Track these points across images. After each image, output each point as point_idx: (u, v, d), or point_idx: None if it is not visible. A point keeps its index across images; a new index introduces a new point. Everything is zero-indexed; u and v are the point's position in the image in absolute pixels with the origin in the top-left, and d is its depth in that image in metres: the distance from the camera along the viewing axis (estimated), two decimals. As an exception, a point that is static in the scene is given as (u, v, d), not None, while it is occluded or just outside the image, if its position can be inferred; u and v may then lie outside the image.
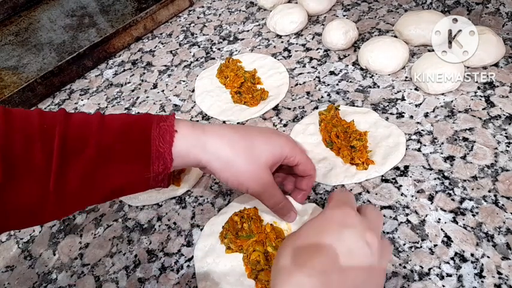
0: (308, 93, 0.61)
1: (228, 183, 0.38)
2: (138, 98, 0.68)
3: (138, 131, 0.35)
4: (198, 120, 0.61)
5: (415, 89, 0.57)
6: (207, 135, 0.37)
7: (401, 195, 0.45)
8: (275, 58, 0.68)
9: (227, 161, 0.36)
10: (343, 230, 0.30)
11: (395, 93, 0.57)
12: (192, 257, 0.44)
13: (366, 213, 0.33)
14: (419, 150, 0.49)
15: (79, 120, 0.35)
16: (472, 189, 0.44)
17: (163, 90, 0.68)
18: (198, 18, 0.85)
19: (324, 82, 0.62)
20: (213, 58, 0.73)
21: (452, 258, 0.39)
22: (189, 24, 0.84)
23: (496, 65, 0.57)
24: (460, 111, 0.52)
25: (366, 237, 0.30)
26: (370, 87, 0.59)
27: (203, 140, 0.36)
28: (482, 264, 0.38)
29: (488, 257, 0.38)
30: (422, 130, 0.51)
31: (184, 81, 0.69)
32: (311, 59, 0.67)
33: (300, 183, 0.42)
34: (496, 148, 0.47)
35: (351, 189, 0.46)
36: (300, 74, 0.64)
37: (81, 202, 0.35)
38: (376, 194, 0.46)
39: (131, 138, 0.35)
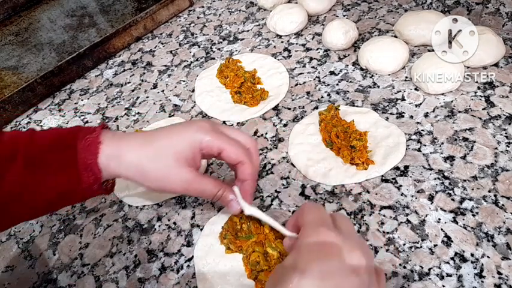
0: (308, 93, 0.61)
1: (155, 190, 0.38)
2: (138, 98, 0.68)
3: (65, 144, 0.36)
4: (198, 120, 0.61)
5: (415, 89, 0.57)
6: (121, 146, 0.37)
7: (401, 195, 0.45)
8: (275, 58, 0.68)
9: (140, 171, 0.36)
10: (326, 267, 0.26)
11: (395, 93, 0.57)
12: (192, 257, 0.44)
13: (339, 225, 0.30)
14: (419, 150, 0.49)
15: (8, 137, 0.36)
16: (472, 189, 0.44)
17: (163, 90, 0.68)
18: (198, 18, 0.85)
19: (324, 82, 0.62)
20: (213, 58, 0.73)
21: (452, 258, 0.39)
22: (189, 24, 0.84)
23: (496, 65, 0.57)
24: (460, 111, 0.52)
25: (352, 261, 0.27)
26: (370, 87, 0.59)
27: (118, 152, 0.36)
28: (482, 264, 0.38)
29: (488, 257, 0.38)
30: (422, 130, 0.51)
31: (184, 81, 0.69)
32: (311, 59, 0.67)
33: (237, 174, 0.40)
34: (496, 148, 0.47)
35: (351, 189, 0.47)
36: (300, 74, 0.64)
37: (15, 215, 0.36)
38: (376, 194, 0.46)
39: (59, 151, 0.36)
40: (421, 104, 0.55)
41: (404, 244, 0.41)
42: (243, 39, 0.75)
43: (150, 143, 0.37)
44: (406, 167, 0.47)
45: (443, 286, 0.37)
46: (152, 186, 0.37)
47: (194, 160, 0.37)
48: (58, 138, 0.37)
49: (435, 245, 0.40)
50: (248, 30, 0.77)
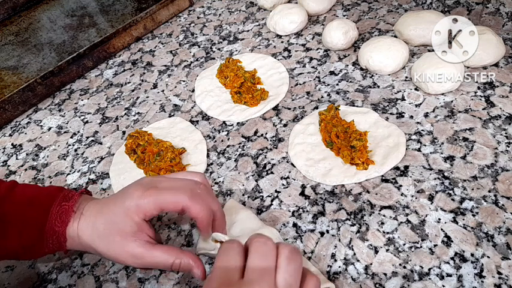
0: (308, 93, 0.61)
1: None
2: (138, 98, 0.68)
3: (39, 207, 0.36)
4: (197, 121, 0.61)
5: (415, 89, 0.57)
6: (80, 223, 0.36)
7: (402, 195, 0.45)
8: (275, 58, 0.68)
9: (94, 250, 0.36)
10: None
11: (395, 93, 0.57)
12: (192, 257, 0.44)
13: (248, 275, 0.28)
14: (419, 150, 0.49)
15: None
16: (472, 189, 0.44)
17: (163, 90, 0.68)
18: (198, 18, 0.85)
19: (324, 82, 0.62)
20: (213, 58, 0.73)
21: (452, 258, 0.39)
22: (189, 24, 0.84)
23: (496, 65, 0.57)
24: (460, 111, 0.52)
25: None
26: (370, 87, 0.59)
27: (76, 230, 0.36)
28: (482, 264, 0.38)
29: (488, 257, 0.38)
30: (422, 130, 0.51)
31: (184, 81, 0.69)
32: (311, 59, 0.67)
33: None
34: (496, 148, 0.47)
35: (351, 189, 0.47)
36: (300, 74, 0.64)
37: None
38: (376, 194, 0.46)
39: (31, 212, 0.36)
40: (421, 104, 0.55)
41: (404, 244, 0.41)
42: (243, 39, 0.75)
43: (99, 219, 0.36)
44: (406, 167, 0.47)
45: (443, 286, 0.37)
46: (107, 259, 0.38)
47: (142, 230, 0.36)
48: (33, 198, 0.37)
49: (435, 245, 0.40)
50: (248, 30, 0.77)
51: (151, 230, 0.37)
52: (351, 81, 0.61)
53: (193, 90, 0.66)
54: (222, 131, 0.58)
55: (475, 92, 0.54)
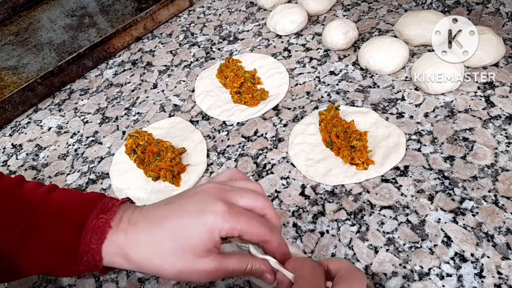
0: (308, 93, 0.61)
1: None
2: (138, 98, 0.68)
3: (75, 218, 0.33)
4: (197, 121, 0.61)
5: (415, 89, 0.57)
6: (129, 239, 0.32)
7: (401, 195, 0.45)
8: (275, 58, 0.68)
9: (152, 269, 0.32)
10: None
11: (395, 93, 0.57)
12: (192, 257, 0.44)
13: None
14: (419, 150, 0.49)
15: (22, 195, 0.34)
16: (472, 189, 0.44)
17: (163, 90, 0.68)
18: (198, 18, 0.85)
19: (324, 82, 0.62)
20: (213, 58, 0.73)
21: (452, 258, 0.39)
22: (189, 24, 0.84)
23: (496, 65, 0.57)
24: (460, 111, 0.52)
25: None
26: (370, 87, 0.59)
27: (124, 247, 0.32)
28: (482, 264, 0.38)
29: (488, 257, 0.38)
30: (422, 130, 0.51)
31: (184, 81, 0.69)
32: (311, 59, 0.67)
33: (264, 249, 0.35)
34: (496, 148, 0.47)
35: (351, 189, 0.47)
36: (300, 74, 0.64)
37: (8, 275, 0.34)
38: (376, 194, 0.46)
39: (65, 225, 0.33)
40: (421, 104, 0.55)
41: (404, 244, 0.41)
42: (243, 39, 0.75)
43: (161, 232, 0.32)
44: (406, 167, 0.47)
45: (443, 286, 0.37)
46: (172, 279, 0.34)
47: (215, 246, 0.32)
48: (70, 209, 0.34)
49: (435, 245, 0.40)
50: (248, 30, 0.77)
51: (219, 245, 0.34)
52: (351, 81, 0.61)
53: (193, 90, 0.66)
54: (222, 131, 0.58)
55: (475, 92, 0.54)
